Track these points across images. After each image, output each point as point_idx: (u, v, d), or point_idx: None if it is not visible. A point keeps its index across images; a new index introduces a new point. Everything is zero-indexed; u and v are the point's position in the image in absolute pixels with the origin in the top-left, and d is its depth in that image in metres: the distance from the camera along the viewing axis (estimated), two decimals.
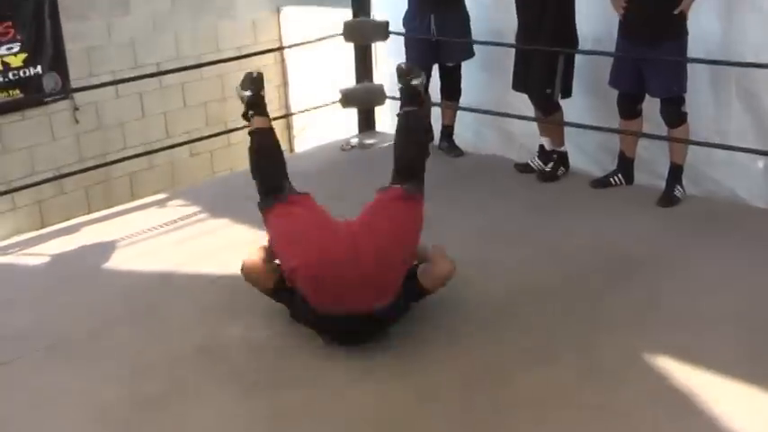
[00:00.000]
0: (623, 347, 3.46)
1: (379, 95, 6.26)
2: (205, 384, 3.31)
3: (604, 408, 3.06)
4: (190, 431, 3.04)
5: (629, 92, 5.04)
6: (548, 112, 5.43)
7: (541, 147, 5.60)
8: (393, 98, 6.12)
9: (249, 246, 3.85)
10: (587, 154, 5.71)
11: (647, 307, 3.81)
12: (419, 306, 3.69)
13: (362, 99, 6.34)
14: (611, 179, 5.28)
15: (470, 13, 5.80)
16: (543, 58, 5.26)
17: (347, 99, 6.16)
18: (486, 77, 6.07)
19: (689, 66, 4.85)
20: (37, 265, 4.62)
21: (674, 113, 4.86)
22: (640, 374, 3.28)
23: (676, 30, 4.74)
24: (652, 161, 5.30)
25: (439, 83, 5.99)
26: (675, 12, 4.66)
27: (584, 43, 5.35)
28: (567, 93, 5.37)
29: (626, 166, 5.26)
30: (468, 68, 5.92)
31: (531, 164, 5.63)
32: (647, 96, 5.01)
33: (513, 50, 5.50)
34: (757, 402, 3.07)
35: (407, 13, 5.92)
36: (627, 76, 5.00)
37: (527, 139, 5.80)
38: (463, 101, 6.01)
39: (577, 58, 5.33)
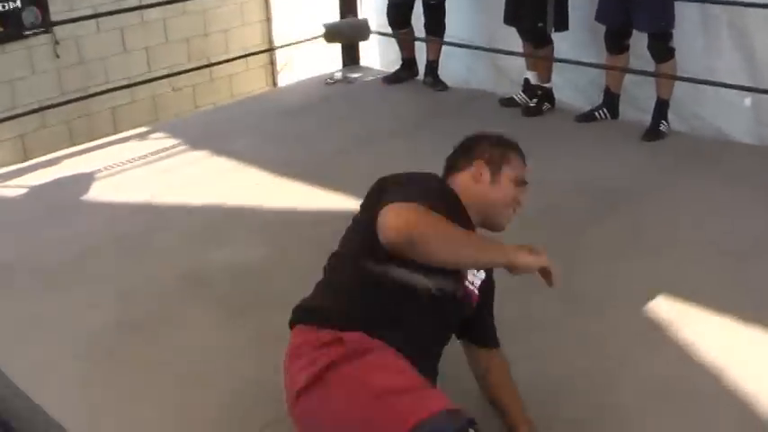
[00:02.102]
0: (604, 277, 3.48)
1: (363, 30, 6.20)
2: (190, 309, 3.32)
3: (581, 338, 3.06)
4: (176, 356, 3.04)
5: (615, 27, 5.00)
6: (538, 46, 5.40)
7: (526, 80, 5.59)
8: (378, 33, 6.09)
9: None
10: (578, 89, 5.69)
11: (630, 238, 3.83)
12: None
13: (347, 34, 6.28)
14: (596, 113, 5.27)
15: None
16: None
17: (331, 34, 6.09)
18: (476, 11, 6.01)
19: (679, 2, 4.81)
20: (19, 196, 4.60)
21: (662, 48, 4.84)
22: (619, 304, 3.29)
23: None
24: (638, 96, 5.30)
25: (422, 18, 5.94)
26: None
27: None
28: (562, 26, 5.30)
29: (611, 100, 5.26)
30: (458, 2, 5.84)
31: (516, 98, 5.61)
32: (634, 32, 4.97)
33: None
34: (735, 329, 3.09)
35: None
36: (614, 10, 4.95)
37: (518, 74, 5.75)
38: (454, 35, 5.94)
39: None
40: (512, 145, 2.57)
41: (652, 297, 3.29)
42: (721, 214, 4.00)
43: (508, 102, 5.63)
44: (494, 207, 2.46)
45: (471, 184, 2.43)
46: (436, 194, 2.26)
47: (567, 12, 5.28)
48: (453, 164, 2.52)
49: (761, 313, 3.14)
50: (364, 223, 2.26)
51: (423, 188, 2.25)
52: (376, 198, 2.25)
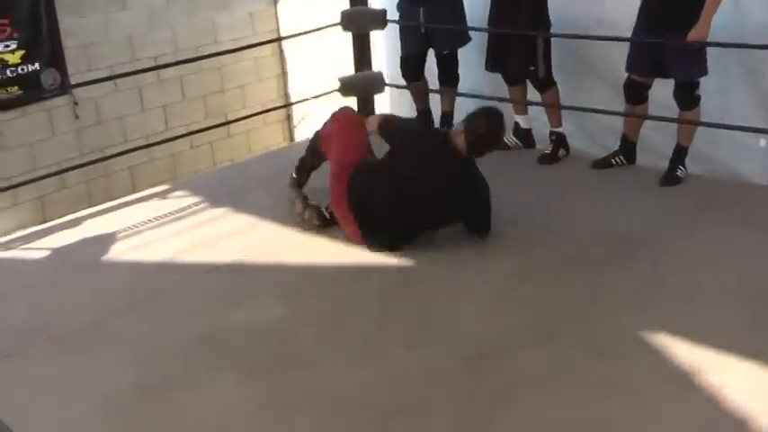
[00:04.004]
0: (625, 324, 3.46)
1: (378, 83, 6.23)
2: (210, 370, 3.32)
3: (606, 384, 3.06)
4: (194, 418, 3.04)
5: (643, 77, 4.96)
6: (543, 90, 5.43)
7: (516, 124, 5.67)
8: (392, 86, 6.13)
9: None
10: (590, 135, 5.70)
11: (649, 284, 3.81)
12: (420, 287, 3.70)
13: (361, 87, 6.32)
14: (613, 160, 5.26)
15: None
16: (522, 38, 5.27)
17: (346, 87, 6.13)
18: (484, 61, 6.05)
19: None
20: (39, 258, 4.63)
21: (689, 96, 4.79)
22: (642, 350, 3.27)
23: (695, 16, 4.58)
24: (654, 140, 5.28)
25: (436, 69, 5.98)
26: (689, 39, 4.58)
27: (587, 26, 5.36)
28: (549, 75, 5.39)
29: (629, 147, 5.24)
30: (467, 53, 5.89)
31: (507, 141, 5.64)
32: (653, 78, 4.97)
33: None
34: (760, 376, 3.06)
35: (400, 0, 5.92)
36: (645, 60, 4.89)
37: (527, 121, 5.77)
38: (463, 86, 5.99)
39: (584, 40, 5.33)
40: None
41: (675, 344, 3.27)
42: (741, 258, 3.97)
43: (500, 145, 5.66)
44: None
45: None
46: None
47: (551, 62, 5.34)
48: None
49: None
50: None
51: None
52: None
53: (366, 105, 6.57)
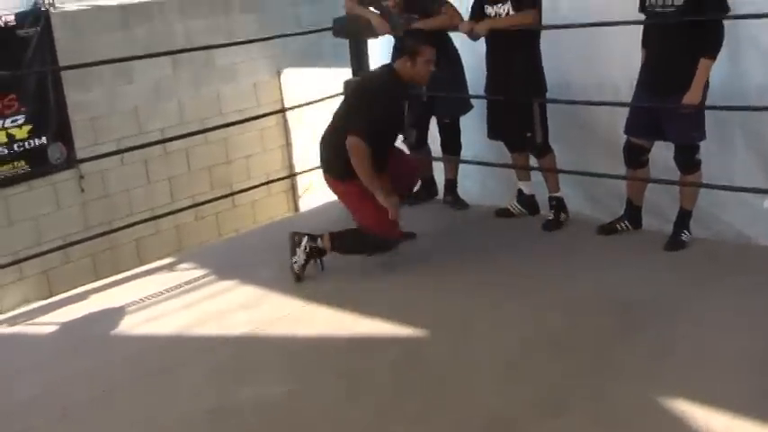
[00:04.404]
0: (636, 395, 3.42)
1: None
2: None
3: None
4: None
5: (641, 141, 5.00)
6: (540, 156, 5.48)
7: (520, 191, 5.70)
8: None
9: None
10: (596, 200, 5.72)
11: (659, 353, 3.78)
12: (431, 359, 3.67)
13: None
14: (618, 225, 5.27)
15: (466, 64, 5.80)
16: (517, 104, 5.33)
17: None
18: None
19: None
20: (45, 333, 4.62)
21: (690, 160, 4.82)
22: (655, 421, 3.24)
23: (692, 80, 4.61)
24: (659, 203, 5.29)
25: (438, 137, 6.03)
26: (684, 102, 4.61)
27: (587, 89, 5.42)
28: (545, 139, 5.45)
29: (634, 212, 5.25)
30: (470, 120, 5.94)
31: (511, 208, 5.70)
32: (653, 141, 5.01)
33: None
34: None
35: None
36: (643, 123, 4.93)
37: (533, 188, 5.80)
38: (467, 153, 6.03)
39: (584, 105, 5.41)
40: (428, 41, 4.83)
41: (688, 414, 3.23)
42: (750, 323, 3.95)
43: (503, 212, 5.73)
44: (414, 78, 4.88)
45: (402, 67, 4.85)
46: (379, 119, 4.69)
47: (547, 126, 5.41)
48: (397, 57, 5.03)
49: None
50: (342, 128, 4.76)
51: (372, 119, 4.66)
52: (347, 111, 4.98)
53: None
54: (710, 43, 4.57)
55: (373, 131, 4.64)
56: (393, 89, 4.87)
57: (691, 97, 4.61)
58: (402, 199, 5.01)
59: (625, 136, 5.06)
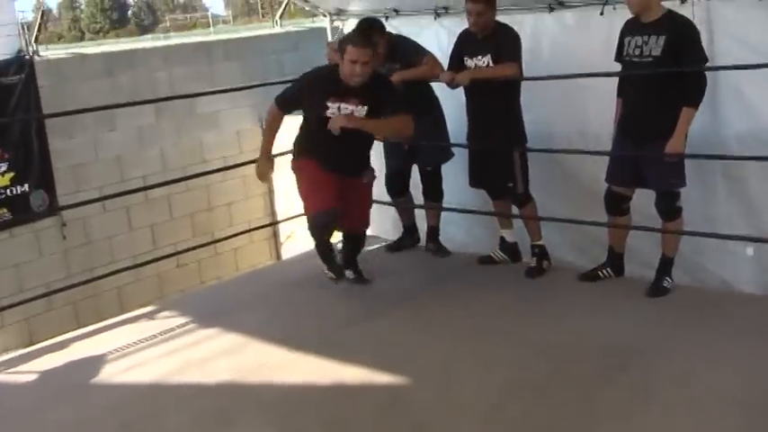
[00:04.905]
0: None
1: None
2: None
3: None
4: None
5: (622, 189, 5.03)
6: (521, 205, 5.52)
7: (502, 238, 5.74)
8: (377, 202, 6.18)
9: None
10: (579, 248, 5.74)
11: (642, 396, 3.78)
12: (414, 405, 3.65)
13: None
14: (600, 272, 5.29)
15: (447, 112, 5.86)
16: (498, 154, 5.39)
17: None
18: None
19: None
20: (26, 382, 4.57)
21: (670, 207, 4.86)
22: None
23: (672, 127, 4.66)
24: (642, 251, 5.31)
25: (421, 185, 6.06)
26: (666, 151, 4.64)
27: (569, 137, 5.48)
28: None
29: (615, 259, 5.28)
30: (452, 168, 5.97)
31: (494, 255, 5.74)
32: (636, 189, 5.05)
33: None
34: None
35: None
36: (624, 171, 4.97)
37: (516, 235, 5.82)
38: (449, 200, 6.06)
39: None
40: (351, 40, 4.82)
41: None
42: (733, 368, 3.96)
43: (486, 259, 5.75)
44: (343, 73, 4.80)
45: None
46: (295, 92, 5.13)
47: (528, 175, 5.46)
48: None
49: None
50: None
51: (289, 91, 5.19)
52: None
53: None
54: (693, 93, 4.62)
55: (292, 104, 5.13)
56: (316, 71, 5.19)
57: (673, 145, 4.65)
58: (330, 232, 5.24)
59: (607, 184, 5.12)
